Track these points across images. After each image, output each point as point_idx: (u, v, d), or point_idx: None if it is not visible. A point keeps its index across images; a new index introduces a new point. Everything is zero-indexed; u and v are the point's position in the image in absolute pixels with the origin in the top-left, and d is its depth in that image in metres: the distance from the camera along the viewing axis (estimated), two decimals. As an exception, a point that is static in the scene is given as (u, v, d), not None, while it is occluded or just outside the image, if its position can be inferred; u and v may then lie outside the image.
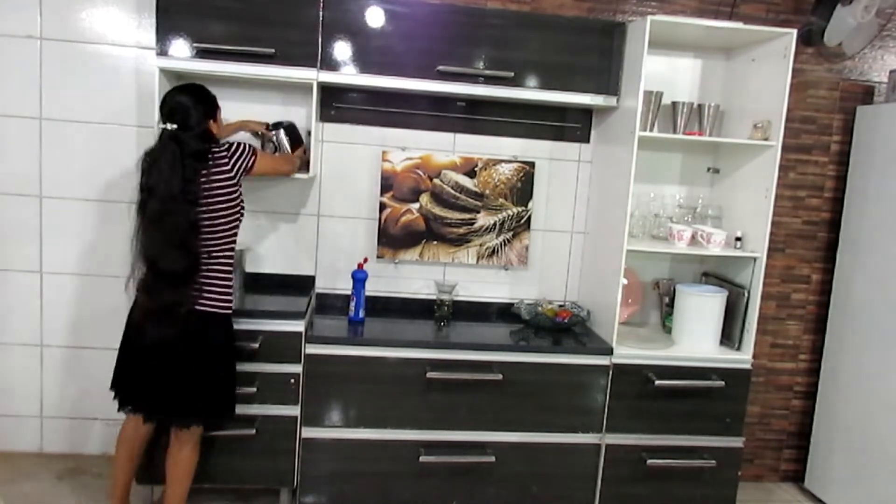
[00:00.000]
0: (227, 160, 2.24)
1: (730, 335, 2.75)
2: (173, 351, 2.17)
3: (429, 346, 2.55)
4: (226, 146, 2.28)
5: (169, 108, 2.23)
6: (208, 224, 2.20)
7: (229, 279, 2.28)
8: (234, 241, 2.31)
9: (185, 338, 2.18)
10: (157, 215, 2.11)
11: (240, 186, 2.30)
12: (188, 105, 2.22)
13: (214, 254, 2.23)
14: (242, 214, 2.34)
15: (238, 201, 2.29)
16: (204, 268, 2.19)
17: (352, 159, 2.92)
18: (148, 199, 2.14)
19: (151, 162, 2.17)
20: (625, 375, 2.62)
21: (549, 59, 2.68)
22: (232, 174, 2.25)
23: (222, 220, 2.24)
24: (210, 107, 2.31)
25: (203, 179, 2.18)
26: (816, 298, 3.22)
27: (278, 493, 2.65)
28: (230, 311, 2.28)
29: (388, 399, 2.53)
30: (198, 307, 2.19)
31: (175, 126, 2.19)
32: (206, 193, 2.18)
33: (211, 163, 2.20)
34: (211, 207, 2.19)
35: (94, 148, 2.82)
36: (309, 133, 2.75)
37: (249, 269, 2.88)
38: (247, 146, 2.32)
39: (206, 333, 2.22)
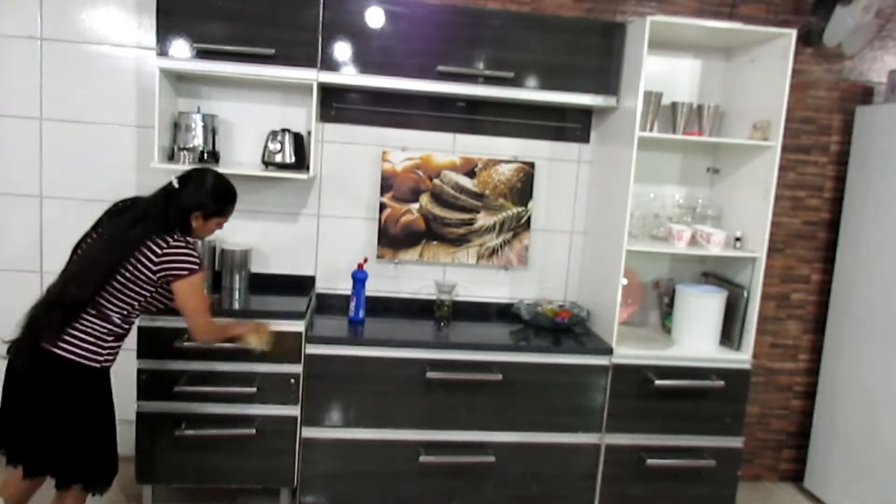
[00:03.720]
0: (161, 257, 2.02)
1: (729, 335, 2.75)
2: (34, 393, 1.97)
3: (429, 346, 2.55)
4: (179, 245, 2.05)
5: (188, 175, 2.17)
6: (119, 286, 2.02)
7: (109, 339, 2.05)
8: (129, 316, 2.09)
9: (42, 382, 1.96)
10: (103, 243, 2.05)
11: (153, 289, 2.07)
12: (202, 188, 2.14)
13: (109, 311, 2.04)
14: (140, 307, 2.09)
15: (142, 296, 2.06)
16: (89, 319, 2.00)
17: (352, 159, 2.92)
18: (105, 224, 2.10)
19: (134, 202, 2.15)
20: (624, 375, 2.62)
21: (549, 60, 2.68)
22: (153, 272, 2.02)
23: (125, 295, 2.04)
24: (214, 208, 2.16)
25: (145, 247, 2.03)
26: (816, 298, 3.22)
27: (278, 493, 2.66)
28: (97, 367, 2.03)
29: (388, 399, 2.54)
30: (62, 352, 1.96)
31: (177, 187, 2.13)
32: (137, 260, 2.02)
33: (158, 243, 2.03)
34: (131, 274, 2.01)
35: (94, 148, 2.82)
36: (309, 133, 2.75)
37: (250, 269, 2.88)
38: (190, 263, 2.05)
39: (67, 384, 1.98)
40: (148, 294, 2.08)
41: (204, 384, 2.45)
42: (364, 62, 2.60)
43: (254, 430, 2.48)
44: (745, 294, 2.71)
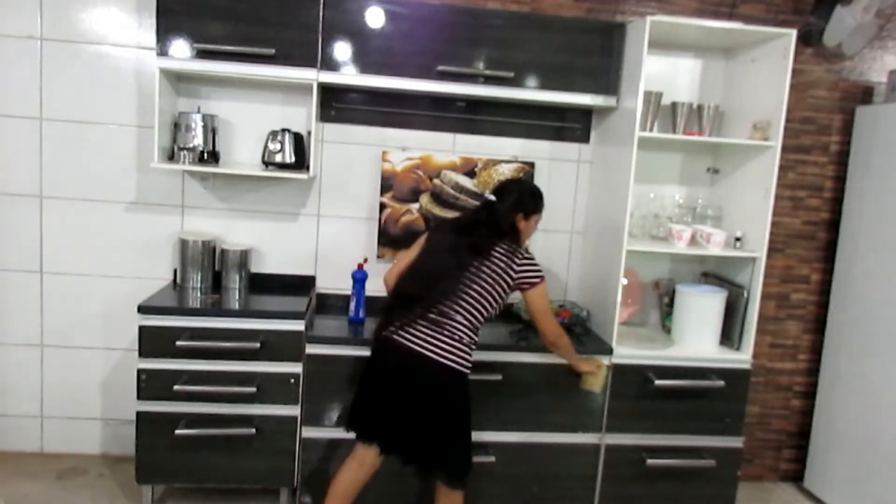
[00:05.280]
0: (516, 266, 2.20)
1: (729, 335, 2.75)
2: (412, 392, 2.13)
3: (429, 346, 2.55)
4: (531, 258, 2.26)
5: (502, 186, 2.36)
6: (473, 293, 2.16)
7: (472, 347, 2.19)
8: (478, 323, 2.20)
9: (429, 386, 2.13)
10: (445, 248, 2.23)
11: (507, 294, 2.23)
12: (516, 190, 2.32)
13: (467, 318, 2.16)
14: (493, 312, 2.23)
15: (499, 302, 2.22)
16: (458, 325, 2.14)
17: (352, 159, 2.92)
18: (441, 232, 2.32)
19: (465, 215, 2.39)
20: (625, 375, 2.62)
21: (549, 60, 2.68)
22: (510, 280, 2.20)
23: (480, 303, 2.17)
24: (531, 206, 2.32)
25: (485, 257, 2.19)
26: (816, 298, 3.22)
27: (278, 493, 2.65)
28: (468, 371, 2.17)
29: (388, 399, 2.53)
30: (443, 360, 2.11)
31: (494, 199, 2.29)
32: (483, 268, 2.18)
33: (499, 253, 2.20)
34: (480, 283, 2.16)
35: (94, 148, 2.82)
36: (309, 133, 2.75)
37: (250, 269, 2.88)
38: (540, 273, 2.25)
39: (446, 387, 2.15)
40: (503, 298, 2.22)
41: (204, 384, 2.45)
42: (364, 62, 2.60)
43: (254, 430, 2.48)
44: (745, 294, 2.71)
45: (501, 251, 2.21)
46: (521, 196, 2.31)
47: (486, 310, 2.19)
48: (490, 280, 2.17)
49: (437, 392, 2.13)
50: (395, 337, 2.14)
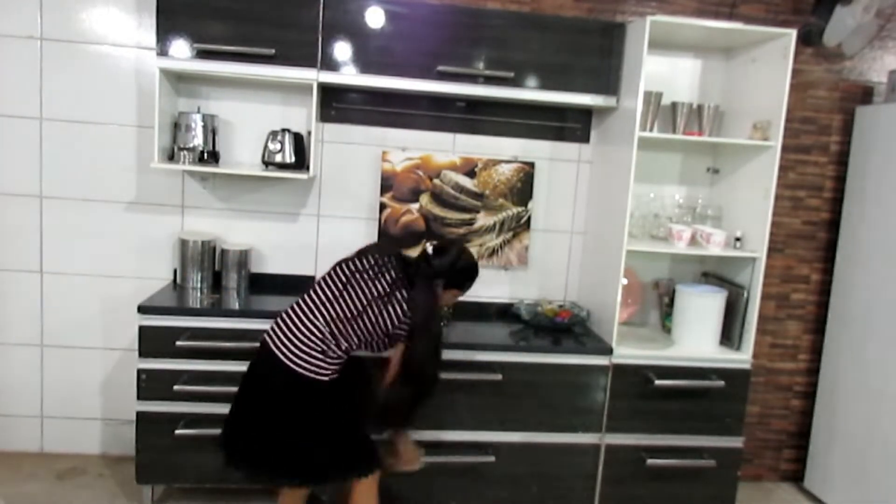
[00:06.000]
0: (412, 318, 2.09)
1: (729, 335, 2.75)
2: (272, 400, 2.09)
3: (429, 346, 2.55)
4: (425, 310, 2.11)
5: (446, 246, 2.27)
6: (363, 321, 2.09)
7: (333, 358, 2.09)
8: (357, 348, 2.15)
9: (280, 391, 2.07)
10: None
11: (398, 339, 2.14)
12: (454, 259, 2.21)
13: (342, 340, 2.09)
14: (370, 345, 2.16)
15: (381, 339, 2.14)
16: (325, 342, 2.07)
17: (352, 159, 2.92)
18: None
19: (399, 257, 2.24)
20: (624, 375, 2.62)
21: (549, 60, 2.68)
22: (395, 327, 2.10)
23: (367, 329, 2.10)
24: (453, 280, 2.23)
25: (398, 293, 2.11)
26: (816, 298, 3.22)
27: (278, 493, 2.65)
28: (326, 380, 2.08)
29: (388, 399, 2.53)
30: (294, 366, 2.05)
31: (431, 253, 2.20)
32: (386, 310, 2.10)
33: (406, 296, 2.10)
34: (375, 315, 2.09)
35: (94, 148, 2.82)
36: (309, 133, 2.75)
37: (250, 269, 2.88)
38: (431, 333, 2.12)
39: (299, 394, 2.08)
40: (384, 340, 2.15)
41: (204, 384, 2.45)
42: (364, 62, 2.60)
43: (254, 430, 2.48)
44: (745, 294, 2.71)
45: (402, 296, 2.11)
46: (453, 266, 2.20)
47: (363, 341, 2.12)
48: (377, 318, 2.10)
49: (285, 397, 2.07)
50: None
